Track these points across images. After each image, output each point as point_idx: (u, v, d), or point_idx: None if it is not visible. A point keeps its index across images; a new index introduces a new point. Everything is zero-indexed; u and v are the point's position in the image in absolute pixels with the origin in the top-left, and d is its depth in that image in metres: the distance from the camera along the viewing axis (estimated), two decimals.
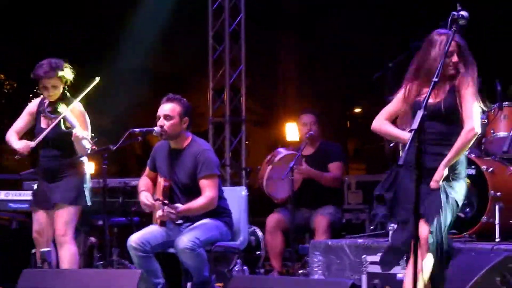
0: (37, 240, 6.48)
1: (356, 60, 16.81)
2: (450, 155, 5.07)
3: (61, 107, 6.37)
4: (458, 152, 5.10)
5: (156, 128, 6.20)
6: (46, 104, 6.54)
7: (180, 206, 6.01)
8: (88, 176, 6.54)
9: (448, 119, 5.19)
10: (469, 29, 5.16)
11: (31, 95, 6.76)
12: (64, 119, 6.33)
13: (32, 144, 6.37)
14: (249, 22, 11.17)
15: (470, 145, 5.18)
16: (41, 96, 6.59)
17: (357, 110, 22.17)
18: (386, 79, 7.70)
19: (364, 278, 6.46)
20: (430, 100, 4.98)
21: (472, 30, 5.23)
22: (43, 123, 6.55)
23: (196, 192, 6.16)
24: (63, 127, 6.38)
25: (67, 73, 6.48)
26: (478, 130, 5.13)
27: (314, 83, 19.22)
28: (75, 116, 6.37)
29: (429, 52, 5.23)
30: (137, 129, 6.30)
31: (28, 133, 6.66)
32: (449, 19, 5.05)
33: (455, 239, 6.88)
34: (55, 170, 6.44)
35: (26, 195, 7.68)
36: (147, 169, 6.48)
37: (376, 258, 6.49)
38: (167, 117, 6.20)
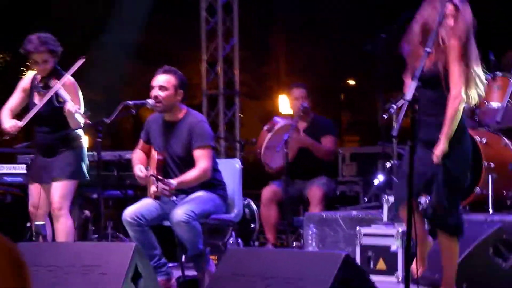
0: (33, 214, 6.47)
1: (348, 32, 16.79)
2: (445, 128, 4.93)
3: (52, 82, 6.34)
4: (451, 123, 4.91)
5: (150, 101, 6.17)
6: (38, 80, 6.51)
7: (173, 182, 5.98)
8: (85, 151, 6.53)
9: (435, 86, 4.98)
10: None
11: (24, 69, 6.71)
12: (56, 93, 6.30)
13: (20, 123, 6.35)
14: None
15: (460, 112, 4.96)
16: (34, 71, 6.56)
17: (351, 82, 22.14)
18: (378, 50, 7.69)
19: (358, 250, 6.49)
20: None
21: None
22: (36, 99, 6.51)
23: (191, 164, 6.15)
24: (55, 102, 6.35)
25: (56, 46, 6.43)
26: (463, 95, 4.89)
27: (306, 56, 19.20)
28: (67, 90, 6.34)
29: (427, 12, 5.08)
30: (131, 102, 6.28)
31: (24, 110, 6.64)
32: None
33: None
34: (51, 145, 6.42)
35: (21, 168, 7.68)
36: (140, 141, 6.46)
37: (370, 230, 6.52)
38: (162, 88, 6.18)
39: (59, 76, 6.39)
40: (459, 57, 4.89)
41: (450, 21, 4.97)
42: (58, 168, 6.37)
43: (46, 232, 6.19)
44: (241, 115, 11.72)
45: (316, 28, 17.99)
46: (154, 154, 6.28)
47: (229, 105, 11.26)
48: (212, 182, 6.26)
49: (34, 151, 6.67)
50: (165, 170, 6.22)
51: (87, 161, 6.54)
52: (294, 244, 7.95)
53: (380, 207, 6.93)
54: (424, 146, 4.97)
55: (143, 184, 6.35)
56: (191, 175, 6.10)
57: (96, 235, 7.70)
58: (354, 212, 7.11)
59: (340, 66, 19.26)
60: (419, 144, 4.91)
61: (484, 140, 6.93)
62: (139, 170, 6.16)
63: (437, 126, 4.94)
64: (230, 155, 10.99)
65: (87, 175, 6.50)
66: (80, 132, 6.48)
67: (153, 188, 6.03)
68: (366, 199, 8.65)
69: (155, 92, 6.18)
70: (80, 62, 6.34)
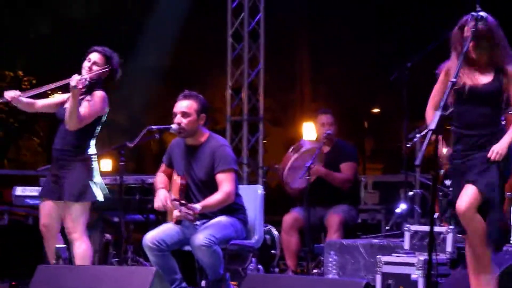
0: (44, 234, 6.40)
1: (373, 60, 16.79)
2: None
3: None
4: None
5: (174, 126, 6.20)
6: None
7: (197, 207, 5.98)
8: (96, 171, 6.40)
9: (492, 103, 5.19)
10: None
11: (49, 92, 6.74)
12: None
13: (23, 95, 6.34)
14: (268, 22, 11.18)
15: None
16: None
17: (375, 110, 22.12)
18: (404, 79, 7.69)
19: (378, 278, 6.44)
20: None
21: None
22: (67, 104, 6.41)
23: (213, 188, 6.15)
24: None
25: (115, 63, 6.49)
26: None
27: (331, 83, 19.21)
28: (95, 97, 6.31)
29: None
30: (154, 126, 6.31)
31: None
32: (469, 19, 5.05)
33: None
34: (63, 158, 6.31)
35: None
36: (163, 165, 6.48)
37: (391, 258, 6.49)
38: (184, 114, 6.20)
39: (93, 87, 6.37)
40: None
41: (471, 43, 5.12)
42: (66, 190, 6.27)
43: (66, 255, 6.18)
44: (265, 141, 11.72)
45: (341, 55, 18.02)
46: (177, 179, 6.29)
47: (253, 131, 11.27)
48: (233, 206, 6.26)
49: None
50: (187, 194, 6.23)
51: (100, 181, 6.43)
52: (315, 271, 7.92)
53: (402, 235, 6.89)
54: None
55: (162, 210, 6.34)
56: (214, 198, 6.10)
57: (117, 259, 7.70)
58: (375, 240, 7.07)
59: (365, 93, 19.28)
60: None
61: None
62: (163, 197, 6.14)
63: (482, 136, 5.11)
64: (252, 181, 10.98)
65: (100, 196, 6.37)
66: (92, 149, 6.40)
67: (175, 213, 6.02)
68: (387, 228, 8.61)
69: (178, 119, 6.20)
70: (104, 68, 6.36)
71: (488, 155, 5.05)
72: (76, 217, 6.28)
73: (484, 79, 5.17)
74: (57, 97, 6.61)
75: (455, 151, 5.21)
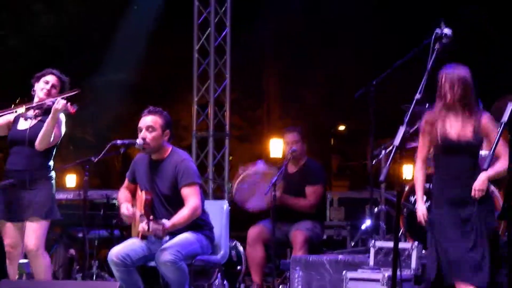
0: (11, 254, 6.34)
1: (339, 78, 16.87)
2: (492, 171, 5.36)
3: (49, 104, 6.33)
4: (499, 173, 5.44)
5: (138, 141, 6.19)
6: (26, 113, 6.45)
7: (166, 222, 5.95)
8: (54, 187, 6.42)
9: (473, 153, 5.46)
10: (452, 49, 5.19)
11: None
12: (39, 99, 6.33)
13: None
14: (234, 37, 11.19)
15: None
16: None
17: (341, 127, 22.22)
18: (369, 96, 7.72)
19: None
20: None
21: (456, 49, 5.27)
22: (21, 126, 6.44)
23: (177, 203, 6.14)
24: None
25: (66, 85, 6.53)
26: None
27: (298, 101, 19.24)
28: (58, 119, 6.33)
29: None
30: (119, 141, 6.30)
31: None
32: (433, 37, 5.09)
33: None
34: (30, 179, 6.26)
35: None
36: (126, 181, 6.46)
37: (357, 274, 6.50)
38: (149, 128, 6.19)
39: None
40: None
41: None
42: (35, 207, 6.24)
43: (30, 270, 6.13)
44: (231, 158, 11.71)
45: (308, 73, 18.08)
46: (142, 194, 6.26)
47: (219, 147, 11.25)
48: (199, 222, 6.25)
49: (6, 183, 6.39)
50: (152, 210, 6.21)
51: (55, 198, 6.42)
52: (280, 287, 7.91)
53: (367, 251, 6.90)
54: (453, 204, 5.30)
55: (129, 223, 6.33)
56: (182, 214, 6.08)
57: (81, 274, 7.65)
58: (340, 256, 7.08)
59: (332, 111, 19.34)
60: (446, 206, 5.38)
61: None
62: (125, 208, 6.15)
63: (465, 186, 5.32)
64: (218, 196, 10.96)
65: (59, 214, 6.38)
66: (51, 165, 6.39)
67: (141, 226, 6.00)
68: (353, 244, 8.63)
69: (143, 134, 6.20)
70: (74, 91, 6.37)
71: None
72: (42, 234, 6.25)
73: None
74: (4, 118, 6.55)
75: None
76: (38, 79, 6.51)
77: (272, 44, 18.40)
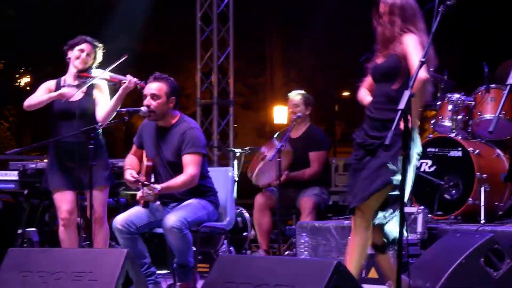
0: (69, 220, 6.43)
1: (343, 43, 16.80)
2: None
3: (96, 71, 6.42)
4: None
5: (143, 108, 6.18)
6: (65, 81, 6.48)
7: (157, 187, 5.97)
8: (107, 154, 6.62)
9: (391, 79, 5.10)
10: (457, 11, 5.13)
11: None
12: (110, 78, 6.39)
13: (75, 90, 6.36)
14: (237, 4, 11.15)
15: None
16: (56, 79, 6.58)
17: (345, 93, 22.18)
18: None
19: None
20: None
21: (461, 12, 5.22)
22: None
23: (181, 170, 6.14)
24: (94, 95, 6.40)
25: (100, 49, 6.58)
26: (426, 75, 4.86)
27: (301, 67, 19.20)
28: (102, 87, 6.44)
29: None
30: (123, 109, 6.30)
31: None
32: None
33: (440, 220, 6.92)
34: (85, 150, 6.17)
35: (12, 175, 7.63)
36: (134, 146, 6.46)
37: None
38: (154, 96, 6.18)
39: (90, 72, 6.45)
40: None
41: (385, 17, 5.18)
42: (100, 176, 6.36)
43: (37, 239, 6.16)
44: (235, 125, 11.72)
45: (311, 39, 18.02)
46: (144, 161, 6.28)
47: (223, 115, 11.26)
48: (203, 189, 6.25)
49: (56, 156, 6.50)
50: (155, 175, 6.23)
51: None
52: (286, 253, 7.94)
53: None
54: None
55: (134, 189, 6.35)
56: (177, 180, 6.09)
57: (87, 242, 7.67)
58: (346, 222, 7.10)
59: (335, 77, 19.30)
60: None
61: (477, 151, 6.94)
62: (129, 175, 6.15)
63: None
64: (223, 164, 10.98)
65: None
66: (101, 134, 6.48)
67: (139, 194, 6.03)
68: None
69: (147, 101, 6.18)
70: (123, 57, 6.39)
71: None
72: (106, 200, 6.46)
73: None
74: (43, 87, 6.57)
75: None
76: (72, 47, 6.52)
77: (276, 9, 18.32)
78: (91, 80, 6.40)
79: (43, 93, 6.50)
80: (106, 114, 6.36)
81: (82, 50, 6.48)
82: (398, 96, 4.50)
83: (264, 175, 7.71)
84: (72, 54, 6.49)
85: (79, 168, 6.32)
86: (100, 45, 6.60)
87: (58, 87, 6.51)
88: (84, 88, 6.40)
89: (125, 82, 6.29)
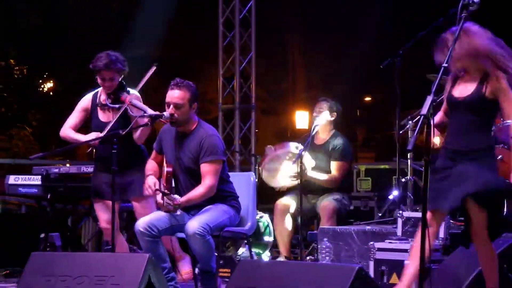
0: (109, 230, 6.54)
1: (365, 49, 16.78)
2: None
3: (123, 96, 6.52)
4: None
5: (166, 113, 6.20)
6: (100, 98, 6.64)
7: (178, 198, 6.00)
8: None
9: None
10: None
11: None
12: (132, 105, 6.45)
13: (101, 134, 6.46)
14: (259, 10, 11.17)
15: None
16: (93, 92, 6.74)
17: (367, 98, 22.14)
18: (395, 66, 7.68)
19: (371, 264, 6.47)
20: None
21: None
22: (101, 117, 6.67)
23: (199, 176, 6.16)
24: (130, 112, 6.50)
25: (124, 66, 6.68)
26: None
27: (323, 72, 19.18)
28: (136, 106, 6.52)
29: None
30: (146, 114, 6.33)
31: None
32: (460, 5, 5.03)
33: (462, 225, 6.89)
34: (126, 161, 6.45)
35: (36, 180, 7.69)
36: (154, 152, 6.49)
37: (384, 244, 6.51)
38: (177, 105, 6.19)
39: (124, 90, 6.57)
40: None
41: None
42: (137, 187, 6.53)
43: (60, 243, 6.20)
44: (257, 130, 11.73)
45: (334, 44, 18.02)
46: (164, 166, 6.31)
47: (245, 119, 11.27)
48: (223, 194, 6.26)
49: (96, 167, 6.77)
50: (175, 180, 6.26)
51: None
52: (308, 258, 7.93)
53: (394, 222, 6.91)
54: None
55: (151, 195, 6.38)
56: (196, 193, 6.12)
57: (110, 247, 7.70)
58: (368, 227, 7.09)
59: (357, 82, 19.27)
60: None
61: (500, 157, 6.91)
62: (152, 183, 6.17)
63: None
64: (244, 169, 10.99)
65: None
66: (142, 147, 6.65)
67: (159, 199, 6.06)
68: (380, 214, 8.63)
69: (172, 110, 6.19)
70: (152, 69, 6.44)
71: None
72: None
73: None
74: (79, 108, 6.77)
75: None
76: (94, 71, 6.61)
77: (297, 14, 18.33)
78: (124, 106, 6.50)
79: (78, 115, 6.72)
80: (141, 136, 6.59)
81: (103, 79, 6.58)
82: None
83: (276, 177, 7.73)
84: (98, 78, 6.62)
85: (120, 177, 6.34)
86: (122, 58, 6.68)
87: (93, 104, 6.69)
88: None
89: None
